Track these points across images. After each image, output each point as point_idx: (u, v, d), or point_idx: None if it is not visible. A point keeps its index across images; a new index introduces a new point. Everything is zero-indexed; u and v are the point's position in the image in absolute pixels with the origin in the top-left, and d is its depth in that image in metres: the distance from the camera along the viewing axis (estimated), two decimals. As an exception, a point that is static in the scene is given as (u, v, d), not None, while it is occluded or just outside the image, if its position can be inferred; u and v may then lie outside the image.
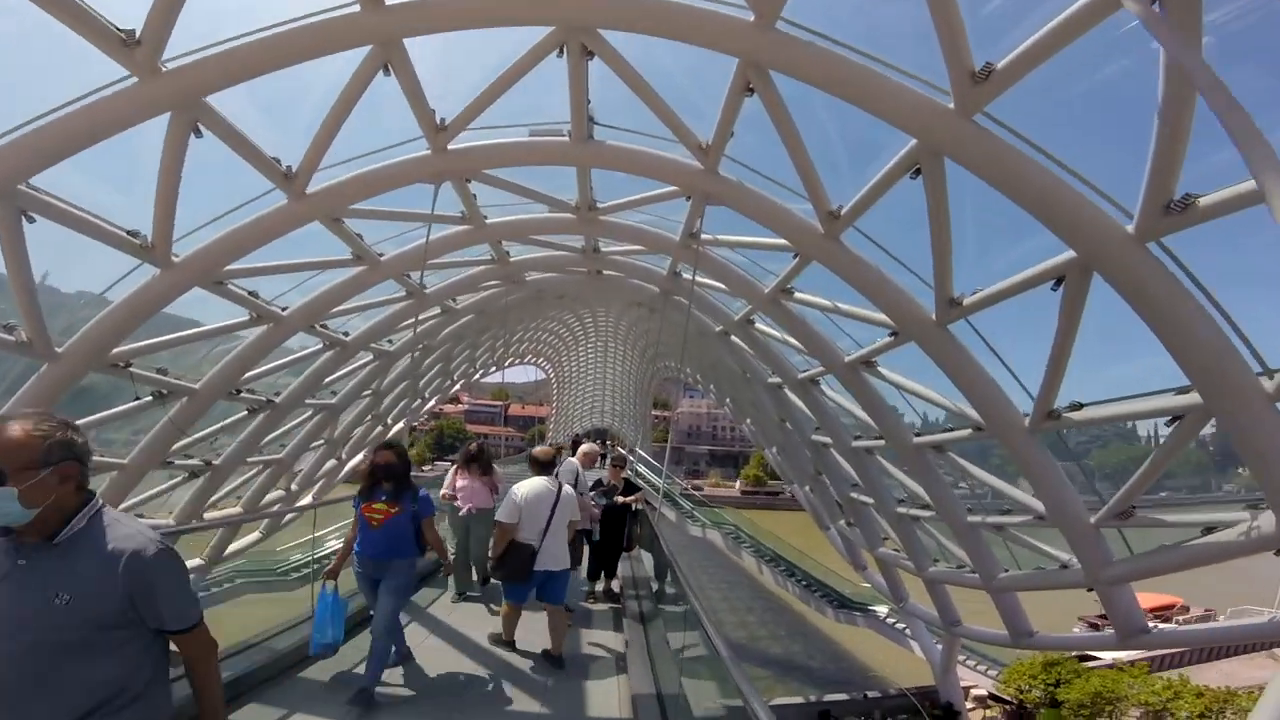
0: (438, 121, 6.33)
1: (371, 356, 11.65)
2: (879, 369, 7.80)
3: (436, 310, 11.82)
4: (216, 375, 7.99)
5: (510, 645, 5.77)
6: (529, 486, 5.35)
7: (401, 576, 4.82)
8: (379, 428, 16.95)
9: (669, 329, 18.57)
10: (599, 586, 8.10)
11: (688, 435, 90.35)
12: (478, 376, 25.71)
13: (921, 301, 6.26)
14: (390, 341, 12.09)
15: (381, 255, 8.27)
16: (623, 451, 31.28)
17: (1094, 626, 23.16)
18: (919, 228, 5.55)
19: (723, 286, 9.03)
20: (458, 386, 22.69)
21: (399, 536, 4.77)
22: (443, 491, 7.87)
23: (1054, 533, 7.65)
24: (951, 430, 7.75)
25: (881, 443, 9.16)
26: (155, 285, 6.17)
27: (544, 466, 5.56)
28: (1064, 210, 4.72)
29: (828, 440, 11.60)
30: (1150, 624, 6.93)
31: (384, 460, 4.88)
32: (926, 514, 9.78)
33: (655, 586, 7.87)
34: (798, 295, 7.84)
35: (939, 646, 14.15)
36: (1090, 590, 6.74)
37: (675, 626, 5.37)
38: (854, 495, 12.24)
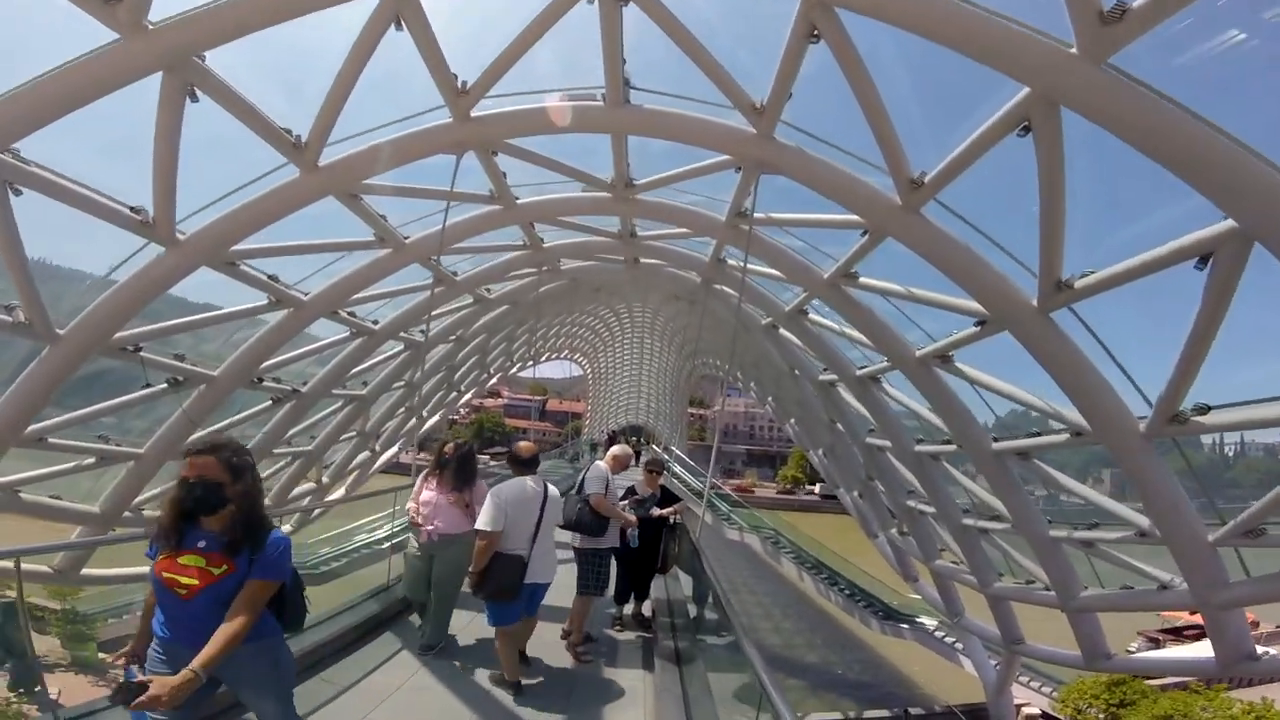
0: (459, 85, 5.71)
1: (402, 346, 11.24)
2: (956, 364, 6.82)
3: (469, 300, 11.32)
4: (236, 362, 7.62)
5: (516, 688, 4.66)
6: (512, 488, 4.58)
7: (266, 681, 2.73)
8: (413, 420, 16.70)
9: (710, 322, 17.80)
10: (628, 609, 6.81)
11: (725, 434, 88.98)
12: (514, 370, 25.39)
13: (1019, 285, 5.30)
14: (422, 332, 11.68)
15: (407, 238, 7.73)
16: (659, 454, 30.48)
17: (1154, 642, 21.31)
18: (1005, 203, 4.65)
19: (774, 273, 8.18)
20: (493, 380, 22.36)
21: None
22: (408, 505, 5.74)
23: (1148, 549, 6.68)
24: (1039, 435, 6.73)
25: (951, 448, 8.15)
26: (160, 265, 5.76)
27: (526, 464, 4.76)
28: (1219, 169, 3.75)
29: (885, 443, 10.60)
30: (1261, 650, 5.98)
31: (196, 474, 2.55)
32: (998, 526, 8.73)
33: (694, 612, 6.43)
34: (863, 280, 6.93)
35: (994, 664, 12.96)
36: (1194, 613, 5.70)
37: (719, 666, 4.48)
38: (910, 503, 11.21)
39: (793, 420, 19.18)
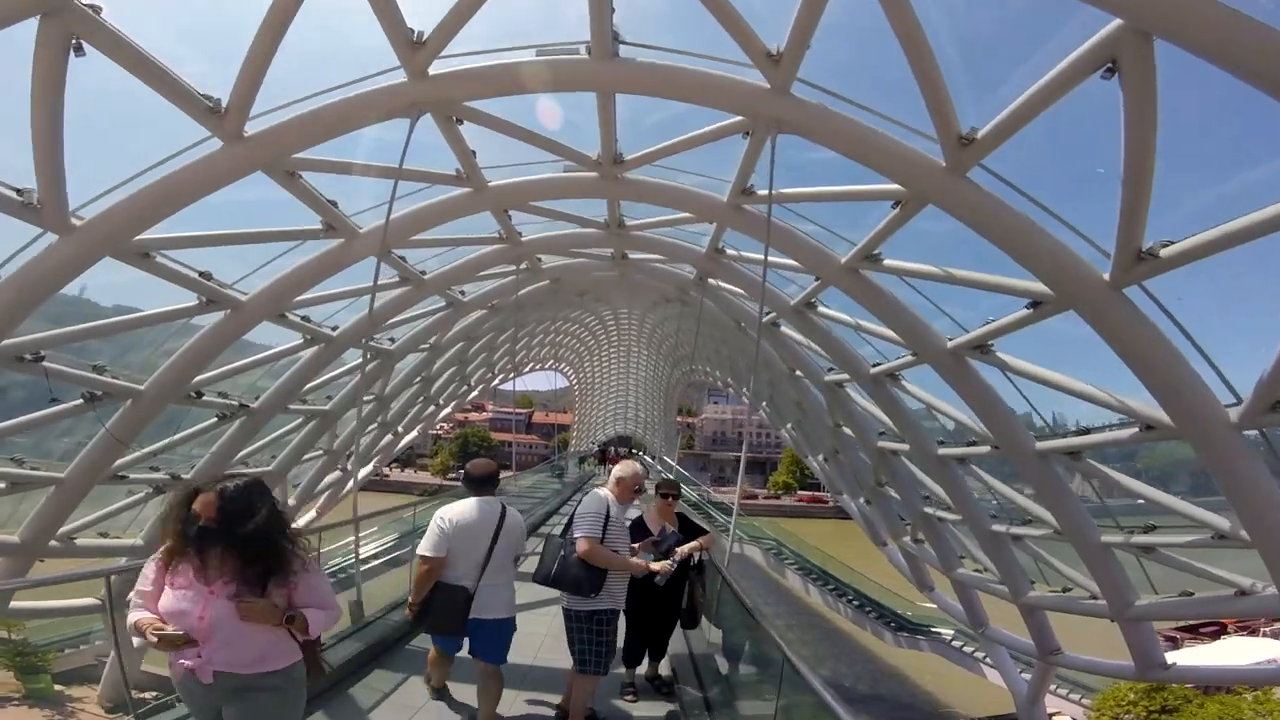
0: (413, 36, 4.79)
1: (367, 355, 10.18)
2: (998, 354, 5.98)
3: (441, 303, 10.33)
4: (165, 374, 6.55)
5: (442, 693, 4.53)
6: (458, 509, 3.95)
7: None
8: (388, 436, 15.59)
9: (703, 323, 16.97)
10: (641, 671, 5.22)
11: (713, 441, 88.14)
12: (497, 382, 24.30)
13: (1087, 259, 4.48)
14: (391, 340, 10.65)
15: (360, 228, 6.75)
16: (641, 460, 29.29)
17: (1172, 641, 20.66)
18: (1048, 168, 3.84)
19: (784, 260, 7.31)
20: (475, 393, 21.28)
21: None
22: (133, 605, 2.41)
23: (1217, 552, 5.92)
24: (1098, 430, 5.92)
25: (982, 449, 7.32)
26: (52, 256, 4.73)
27: (478, 483, 4.07)
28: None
29: (901, 446, 9.77)
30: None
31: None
32: (1034, 532, 7.93)
33: (725, 670, 4.87)
34: (888, 263, 6.09)
35: (1024, 675, 12.15)
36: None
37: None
38: (928, 510, 10.38)
39: (790, 425, 18.33)
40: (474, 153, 6.49)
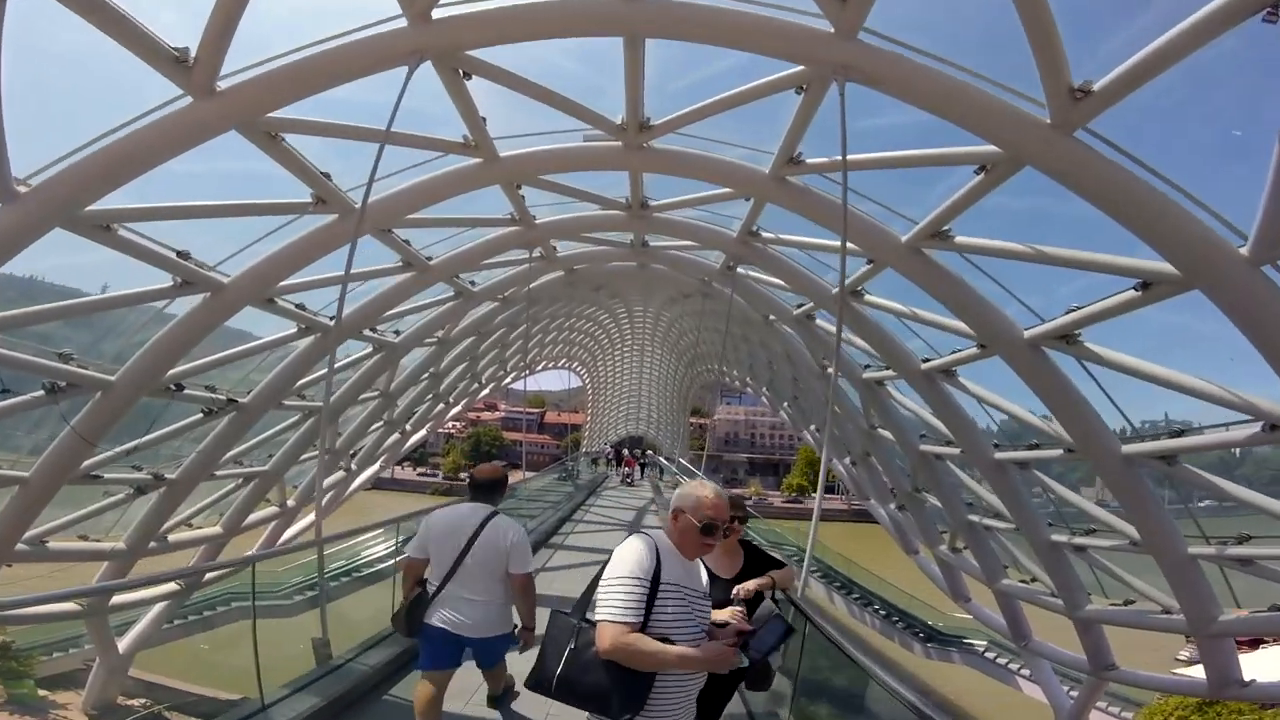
0: (415, -30, 4.09)
1: (370, 349, 9.53)
2: (1085, 345, 5.16)
3: (449, 293, 9.65)
4: (139, 364, 5.90)
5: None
6: (445, 512, 3.84)
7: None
8: (395, 435, 14.97)
9: (718, 315, 16.18)
10: None
11: (725, 442, 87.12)
12: (509, 380, 23.67)
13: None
14: (396, 332, 9.99)
15: (357, 203, 6.06)
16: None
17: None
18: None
19: (823, 241, 6.54)
20: (487, 391, 20.62)
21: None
22: None
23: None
24: (1195, 432, 5.08)
25: (1052, 453, 6.50)
26: (-6, 223, 4.06)
27: (480, 489, 3.87)
28: None
29: (947, 450, 8.96)
30: None
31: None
32: (1104, 543, 7.08)
33: None
34: (959, 240, 5.29)
35: (1069, 690, 11.26)
36: None
37: None
38: (973, 518, 9.54)
39: (813, 426, 17.52)
40: (484, 119, 5.80)
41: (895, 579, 17.70)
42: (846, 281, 7.25)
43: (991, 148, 4.41)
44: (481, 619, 3.54)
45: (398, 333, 9.83)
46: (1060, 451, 6.31)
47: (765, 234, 7.47)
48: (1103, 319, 4.87)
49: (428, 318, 9.80)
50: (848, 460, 15.45)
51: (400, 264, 7.61)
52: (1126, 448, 5.58)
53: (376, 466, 15.92)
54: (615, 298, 21.64)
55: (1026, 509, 7.73)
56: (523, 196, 7.49)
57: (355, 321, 7.96)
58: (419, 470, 73.09)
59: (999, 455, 7.44)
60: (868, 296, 7.31)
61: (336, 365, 9.32)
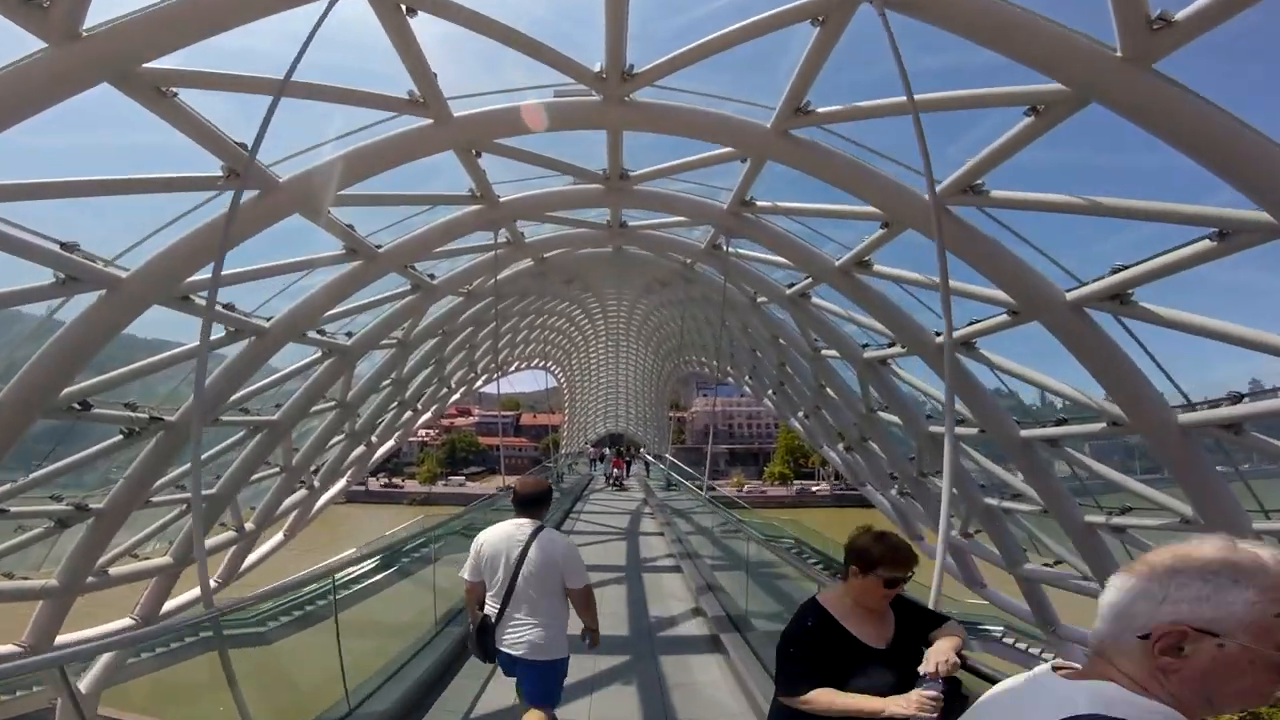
0: None
1: (319, 353, 8.47)
2: (1139, 305, 4.50)
3: (405, 286, 8.64)
4: (25, 381, 4.81)
5: None
6: (492, 531, 3.73)
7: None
8: (361, 448, 13.82)
9: (702, 304, 15.38)
10: None
11: (703, 435, 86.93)
12: (480, 384, 22.55)
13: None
14: (348, 334, 8.93)
15: (281, 178, 5.07)
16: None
17: None
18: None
19: (843, 208, 5.76)
20: (457, 395, 19.50)
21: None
22: None
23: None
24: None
25: (1092, 428, 5.87)
26: None
27: (524, 505, 3.74)
28: None
29: (960, 431, 8.32)
30: None
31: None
32: (1151, 523, 6.51)
33: None
34: (996, 195, 4.58)
35: None
36: None
37: None
38: (992, 501, 8.96)
39: (802, 413, 16.87)
40: (435, 75, 4.88)
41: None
42: (855, 250, 6.53)
43: (1049, 86, 3.73)
44: (536, 641, 3.42)
45: (350, 335, 8.78)
46: (1102, 425, 5.67)
47: (761, 203, 6.67)
48: (1165, 275, 4.26)
49: (383, 315, 8.77)
50: (841, 446, 14.87)
51: (344, 251, 6.60)
52: (1184, 417, 4.95)
53: (344, 482, 14.77)
54: (588, 291, 20.71)
55: (1057, 490, 7.13)
56: (484, 170, 6.60)
57: (294, 322, 6.92)
58: (383, 483, 70.94)
59: (1026, 434, 6.82)
60: (877, 266, 6.58)
61: (283, 373, 8.27)
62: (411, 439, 78.84)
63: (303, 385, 8.62)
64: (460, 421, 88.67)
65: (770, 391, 18.59)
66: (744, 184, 6.31)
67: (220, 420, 7.60)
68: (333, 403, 9.89)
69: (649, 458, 32.52)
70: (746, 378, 20.69)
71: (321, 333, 8.35)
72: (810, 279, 7.67)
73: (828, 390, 12.23)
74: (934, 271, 6.29)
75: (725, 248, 7.96)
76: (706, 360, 25.41)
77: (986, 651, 14.11)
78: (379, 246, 6.99)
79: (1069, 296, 4.79)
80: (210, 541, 9.74)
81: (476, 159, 6.21)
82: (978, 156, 4.37)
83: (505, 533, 3.60)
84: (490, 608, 3.50)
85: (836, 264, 6.75)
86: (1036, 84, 3.80)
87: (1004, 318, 5.73)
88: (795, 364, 13.03)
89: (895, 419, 9.91)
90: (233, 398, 7.53)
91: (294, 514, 12.56)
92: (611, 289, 20.58)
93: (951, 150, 5.18)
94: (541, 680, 3.48)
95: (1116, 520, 6.79)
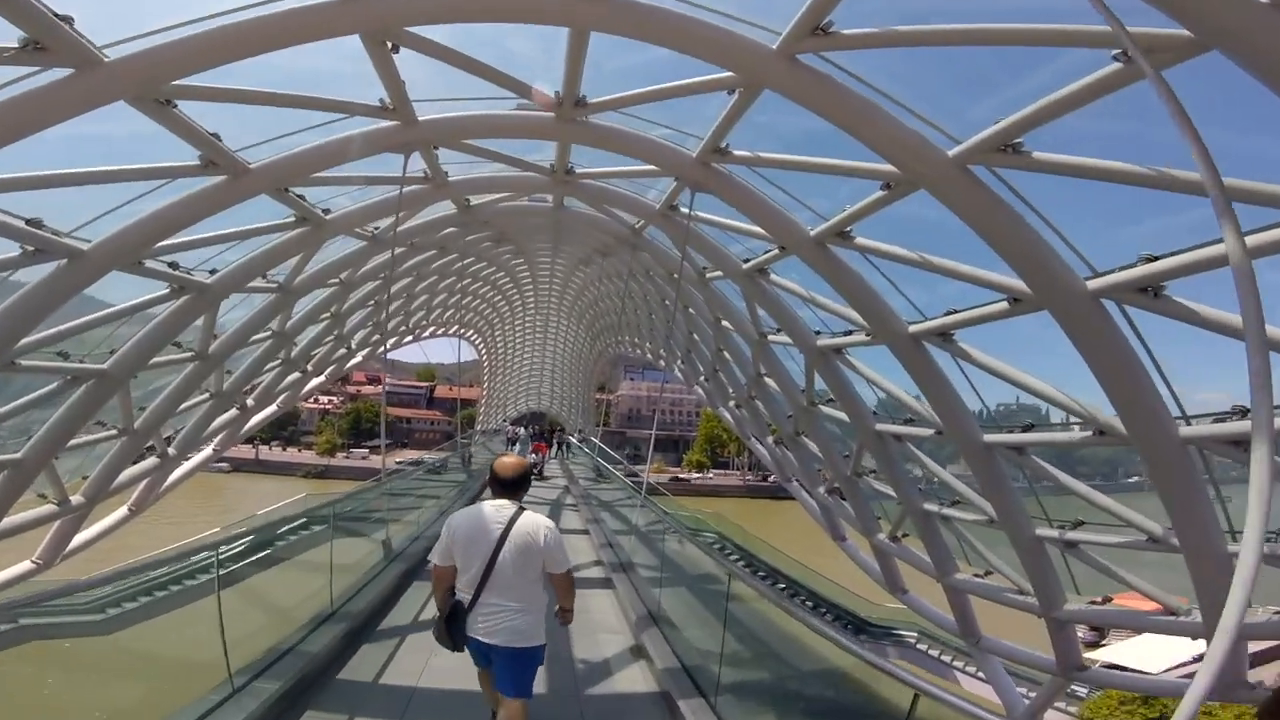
0: None
1: (169, 288, 6.69)
2: (1173, 300, 3.88)
3: (288, 217, 6.96)
4: None
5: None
6: (467, 514, 3.52)
7: None
8: (233, 411, 11.75)
9: (637, 278, 14.31)
10: None
11: (628, 419, 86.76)
12: (391, 347, 20.47)
13: None
14: (212, 271, 7.14)
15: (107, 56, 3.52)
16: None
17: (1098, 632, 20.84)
18: None
19: (822, 159, 4.82)
20: (358, 358, 17.39)
21: None
22: None
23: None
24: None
25: (1079, 436, 5.38)
26: None
27: (504, 486, 3.54)
28: None
29: (908, 430, 7.81)
30: None
31: None
32: (1109, 540, 6.17)
33: None
34: (1037, 156, 3.79)
35: (1022, 690, 10.93)
36: None
37: None
38: (930, 506, 8.55)
39: (733, 403, 16.27)
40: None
41: (804, 561, 17.11)
42: (835, 220, 5.66)
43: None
44: (515, 628, 3.35)
45: (213, 272, 7.02)
46: (1091, 433, 5.19)
47: (739, 152, 5.64)
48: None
49: (257, 251, 7.08)
50: (771, 439, 14.38)
51: (201, 164, 5.01)
52: (1187, 430, 4.47)
53: (210, 450, 12.61)
54: (519, 257, 19.14)
55: (1012, 501, 6.70)
56: (401, 80, 5.19)
57: (124, 246, 5.22)
58: (286, 450, 65.63)
59: (989, 438, 6.28)
60: (859, 239, 5.75)
61: (112, 310, 6.49)
62: (311, 405, 73.44)
63: (143, 329, 6.79)
64: (368, 390, 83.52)
65: (702, 378, 17.85)
66: (723, 125, 5.24)
67: (17, 364, 5.74)
68: (189, 354, 8.03)
69: (571, 439, 31.17)
70: (679, 362, 19.90)
71: (175, 266, 6.58)
72: (776, 250, 6.76)
73: (766, 379, 11.57)
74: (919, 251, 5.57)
75: (689, 208, 6.90)
76: (639, 342, 24.44)
77: (902, 658, 14.26)
78: (249, 165, 5.36)
79: (1091, 285, 4.12)
80: (22, 516, 7.81)
81: (392, 53, 4.72)
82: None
83: (482, 513, 3.48)
84: (462, 594, 3.38)
85: (812, 233, 5.86)
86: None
87: (996, 307, 5.06)
88: (735, 349, 12.28)
89: (839, 414, 9.34)
90: (37, 335, 5.72)
91: (142, 485, 10.47)
92: (545, 257, 19.10)
93: (843, 191, 4.59)
94: (519, 668, 3.38)
95: (1070, 535, 6.44)
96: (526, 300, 27.94)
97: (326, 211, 7.30)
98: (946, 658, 13.51)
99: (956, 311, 5.68)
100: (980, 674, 13.92)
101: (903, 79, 4.34)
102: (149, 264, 6.04)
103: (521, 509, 3.47)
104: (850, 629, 15.09)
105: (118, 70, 3.69)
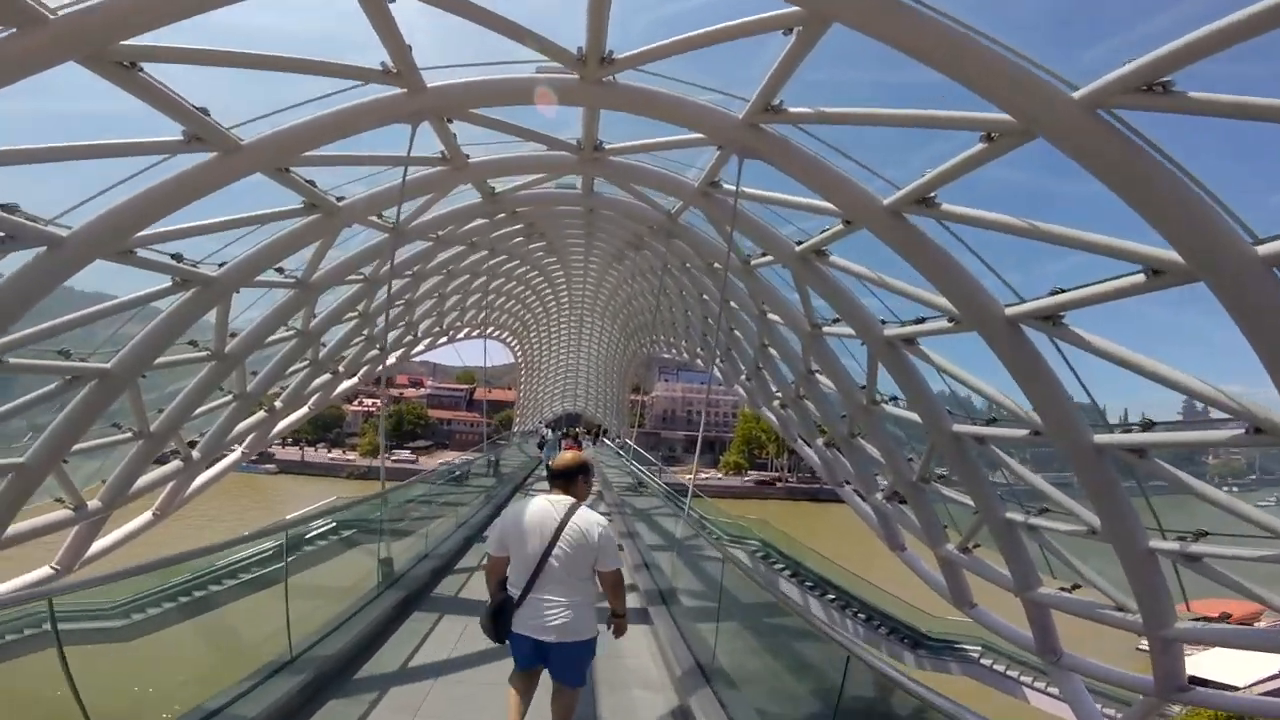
0: None
1: (173, 281, 6.24)
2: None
3: (298, 204, 6.45)
4: None
5: None
6: (521, 506, 3.50)
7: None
8: (261, 413, 11.47)
9: (674, 274, 13.51)
10: None
11: (663, 420, 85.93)
12: (421, 350, 20.15)
13: None
14: (219, 263, 6.68)
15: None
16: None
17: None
18: None
19: (911, 110, 3.95)
20: (391, 358, 17.09)
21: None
22: None
23: None
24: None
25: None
26: None
27: (559, 479, 3.55)
28: None
29: (989, 431, 6.79)
30: None
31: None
32: (1229, 552, 5.09)
33: None
34: (945, 209, 3.53)
35: (1114, 713, 9.75)
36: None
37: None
38: (1014, 515, 7.46)
39: (777, 403, 15.26)
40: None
41: (853, 568, 15.97)
42: (918, 183, 4.75)
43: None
44: (567, 623, 3.33)
45: (221, 264, 6.56)
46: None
47: (796, 109, 4.78)
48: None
49: (264, 242, 6.59)
50: (821, 442, 13.36)
51: (185, 140, 4.46)
52: (1098, 437, 3.78)
53: (238, 453, 12.40)
54: (552, 255, 18.59)
55: (1124, 509, 5.64)
56: (454, 134, 4.69)
57: (112, 231, 4.72)
58: (331, 452, 67.25)
59: (1101, 439, 5.25)
60: (945, 206, 4.81)
61: (105, 305, 6.08)
62: (355, 408, 75.17)
63: (146, 327, 6.37)
64: (410, 393, 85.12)
65: (744, 376, 16.90)
66: (778, 74, 4.40)
67: (6, 362, 5.34)
68: (205, 353, 7.63)
69: (609, 443, 30.30)
70: (718, 360, 18.96)
71: (178, 259, 6.12)
72: (840, 226, 5.86)
73: (818, 376, 10.62)
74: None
75: (737, 184, 6.06)
76: (675, 340, 23.59)
77: (965, 674, 13.02)
78: (241, 141, 4.80)
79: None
80: (33, 521, 7.56)
81: (447, 124, 4.22)
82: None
83: (538, 507, 3.51)
84: (512, 588, 3.41)
85: (886, 202, 4.96)
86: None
87: (1127, 281, 4.09)
88: (781, 344, 11.36)
89: (906, 414, 8.35)
90: (24, 331, 5.31)
91: (167, 489, 10.23)
92: (578, 253, 18.45)
93: (916, 160, 3.81)
94: (575, 660, 3.45)
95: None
96: (561, 300, 27.49)
97: (340, 199, 6.78)
98: (1014, 673, 12.26)
99: (1064, 291, 4.72)
100: (1051, 690, 12.66)
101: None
102: (149, 256, 5.58)
103: (577, 504, 3.46)
104: (906, 642, 13.92)
105: (64, 27, 3.13)
